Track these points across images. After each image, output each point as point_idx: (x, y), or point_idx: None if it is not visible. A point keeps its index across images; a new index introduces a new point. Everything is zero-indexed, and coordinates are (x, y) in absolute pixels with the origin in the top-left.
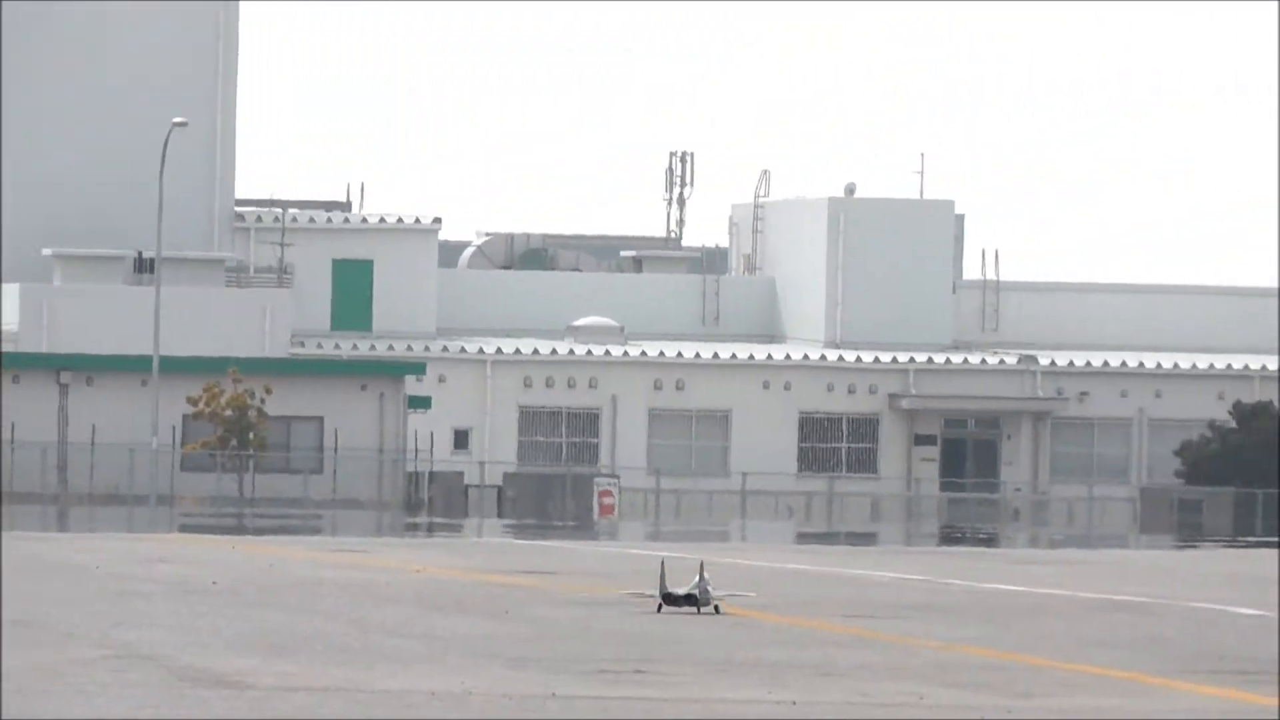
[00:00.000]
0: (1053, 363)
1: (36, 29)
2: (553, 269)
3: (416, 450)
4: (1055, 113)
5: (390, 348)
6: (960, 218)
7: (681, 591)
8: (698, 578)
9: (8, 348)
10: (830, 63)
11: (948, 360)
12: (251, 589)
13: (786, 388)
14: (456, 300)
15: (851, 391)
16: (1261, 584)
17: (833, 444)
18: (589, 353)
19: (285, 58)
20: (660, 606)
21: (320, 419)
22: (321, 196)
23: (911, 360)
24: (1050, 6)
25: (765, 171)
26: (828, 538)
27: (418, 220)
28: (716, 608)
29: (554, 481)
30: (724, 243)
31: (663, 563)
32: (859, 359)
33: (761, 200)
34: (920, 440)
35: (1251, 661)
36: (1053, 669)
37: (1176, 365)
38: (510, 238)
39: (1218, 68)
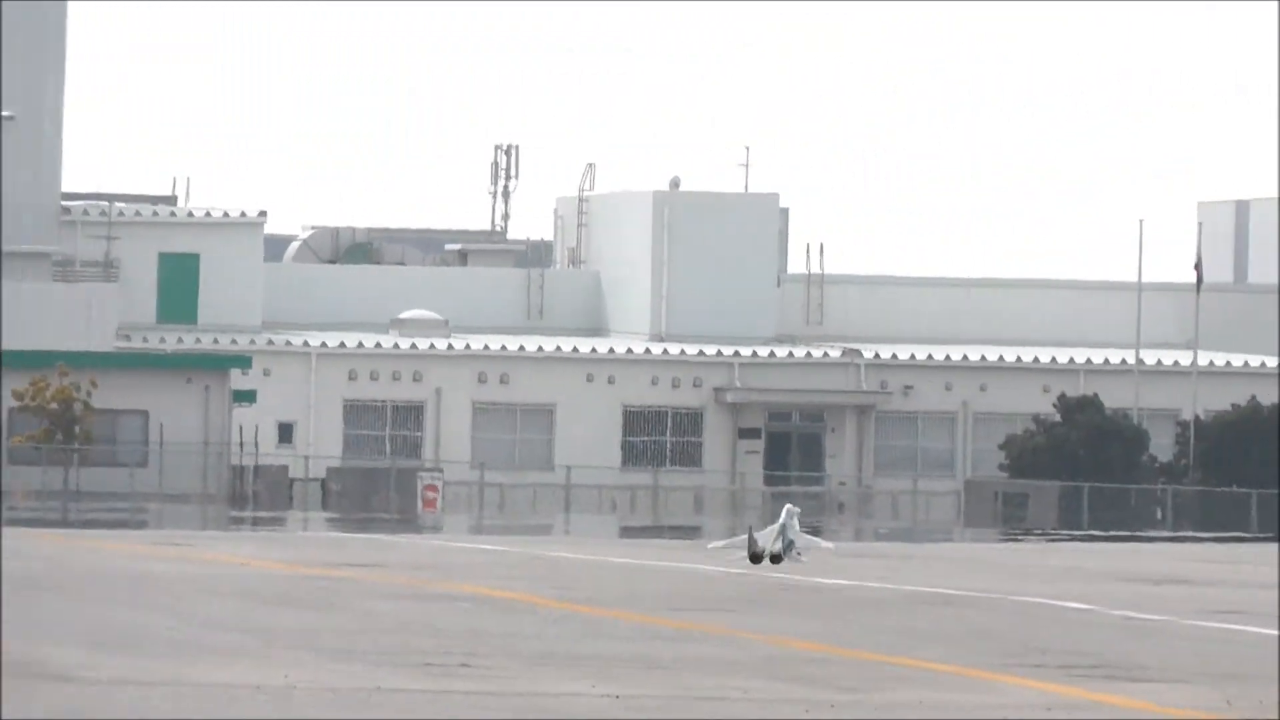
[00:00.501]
0: (877, 356)
1: None
2: (378, 263)
3: (241, 444)
4: (878, 105)
5: (215, 341)
6: (785, 211)
7: (769, 550)
8: (781, 522)
9: None
10: (655, 55)
11: (772, 354)
12: (78, 583)
13: (610, 381)
14: (282, 294)
15: (676, 385)
16: (1086, 577)
17: (657, 437)
18: (413, 346)
19: (113, 53)
20: (751, 561)
21: (145, 413)
22: (148, 190)
23: (736, 354)
24: (868, 5)
25: (590, 165)
26: (651, 531)
27: (243, 214)
28: (799, 555)
29: (378, 475)
30: (549, 236)
31: (750, 528)
32: (683, 352)
33: (586, 194)
34: (744, 434)
35: (1077, 655)
36: (878, 663)
37: (1001, 358)
38: (335, 231)
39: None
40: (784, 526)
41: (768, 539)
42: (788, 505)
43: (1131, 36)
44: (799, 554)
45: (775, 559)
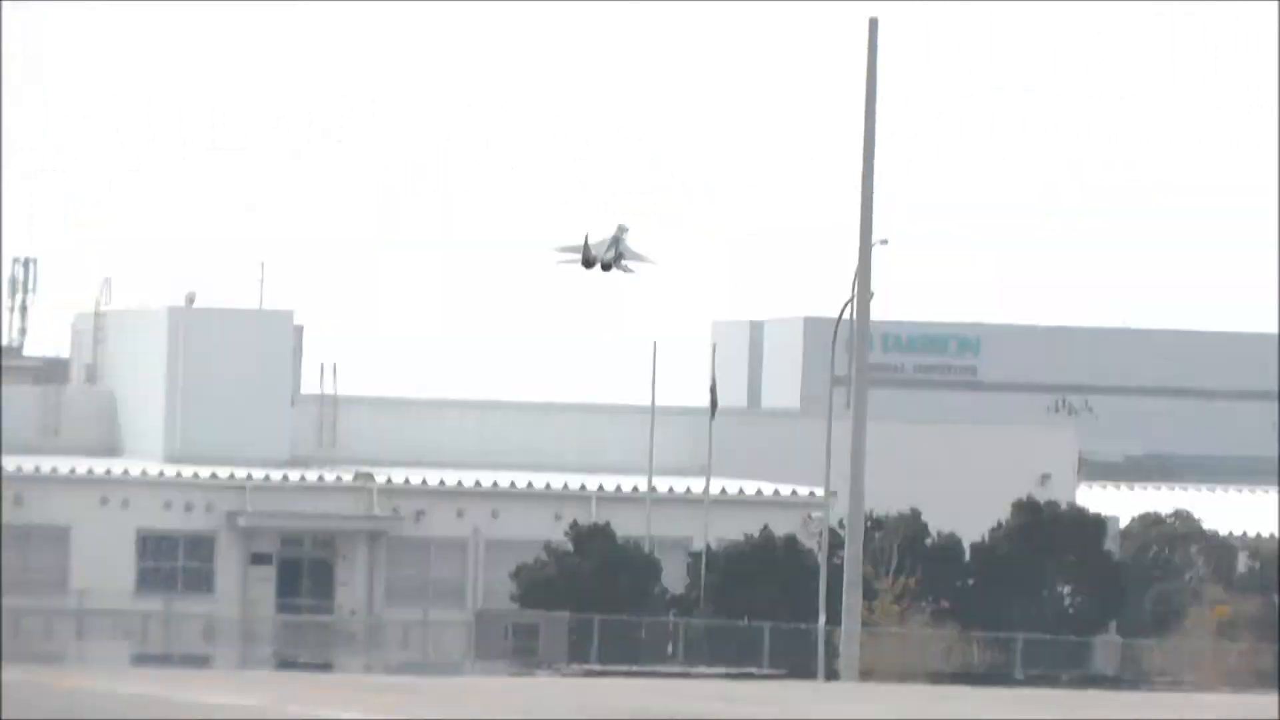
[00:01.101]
0: (389, 480)
1: None
2: None
3: None
4: (393, 223)
5: None
6: (299, 329)
7: (601, 257)
8: (613, 237)
9: None
10: (173, 165)
11: (285, 477)
12: None
13: (125, 504)
14: None
15: (189, 509)
16: (596, 713)
17: (171, 562)
18: None
19: None
20: (585, 264)
21: None
22: None
23: (249, 477)
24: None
25: (107, 279)
26: (164, 660)
27: None
28: (625, 267)
29: None
30: (66, 353)
31: (586, 235)
32: (196, 475)
33: (103, 309)
34: (257, 559)
35: None
36: None
37: (513, 484)
38: None
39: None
40: (616, 240)
41: (600, 248)
42: (619, 222)
43: (653, 153)
44: (627, 265)
45: (606, 267)
